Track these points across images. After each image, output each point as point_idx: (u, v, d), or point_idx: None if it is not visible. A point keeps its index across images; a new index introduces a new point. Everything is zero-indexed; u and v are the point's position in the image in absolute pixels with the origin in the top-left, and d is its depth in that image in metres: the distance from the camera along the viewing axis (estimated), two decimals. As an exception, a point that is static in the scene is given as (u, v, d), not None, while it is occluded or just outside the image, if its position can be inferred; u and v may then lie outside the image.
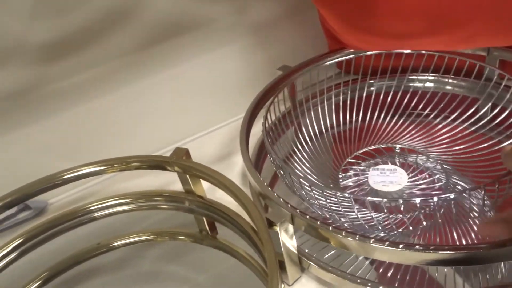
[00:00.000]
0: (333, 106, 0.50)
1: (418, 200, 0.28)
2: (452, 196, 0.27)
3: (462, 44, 0.42)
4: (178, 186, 0.40)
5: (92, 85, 0.45)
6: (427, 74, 0.49)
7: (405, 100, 0.48)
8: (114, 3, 0.43)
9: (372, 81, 0.51)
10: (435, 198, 0.27)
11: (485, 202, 0.32)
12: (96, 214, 0.38)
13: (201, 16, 0.47)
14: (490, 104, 0.45)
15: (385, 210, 0.30)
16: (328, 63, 0.48)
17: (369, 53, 0.45)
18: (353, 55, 0.47)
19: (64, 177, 0.36)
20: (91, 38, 0.43)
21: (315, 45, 0.51)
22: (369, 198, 0.28)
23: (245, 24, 0.51)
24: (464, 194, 0.27)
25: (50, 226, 0.37)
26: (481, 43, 0.42)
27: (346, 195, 0.31)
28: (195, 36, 0.48)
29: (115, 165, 0.36)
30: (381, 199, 0.28)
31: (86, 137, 0.45)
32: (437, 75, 0.48)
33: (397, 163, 0.40)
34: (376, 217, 0.31)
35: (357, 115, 0.49)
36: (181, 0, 0.46)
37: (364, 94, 0.50)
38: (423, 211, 0.31)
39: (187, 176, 0.38)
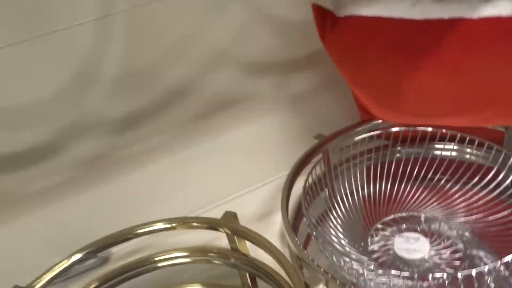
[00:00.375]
0: (364, 171, 0.55)
1: (430, 275, 0.32)
2: (460, 275, 0.31)
3: (482, 123, 0.47)
4: (225, 241, 0.46)
5: (155, 150, 0.53)
6: (453, 143, 0.53)
7: (433, 168, 0.52)
8: (176, 83, 0.51)
9: (401, 148, 0.56)
10: (444, 275, 0.32)
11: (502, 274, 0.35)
12: (156, 265, 0.45)
13: (248, 91, 0.55)
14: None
15: (402, 281, 0.34)
16: (358, 137, 0.53)
17: (396, 129, 0.51)
18: (382, 131, 0.52)
19: (137, 231, 0.43)
20: (156, 112, 0.51)
21: (348, 114, 0.57)
22: (391, 272, 0.33)
23: (284, 96, 0.58)
24: (472, 274, 0.31)
25: (119, 273, 0.44)
26: (501, 123, 0.47)
27: (371, 263, 0.36)
28: (241, 108, 0.55)
29: (177, 224, 0.43)
30: (398, 273, 0.33)
31: (149, 195, 0.53)
32: (462, 145, 0.53)
33: (422, 231, 0.44)
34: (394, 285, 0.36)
35: (387, 180, 0.53)
36: (232, 78, 0.53)
37: (394, 160, 0.55)
38: (436, 282, 0.35)
39: (234, 236, 0.44)
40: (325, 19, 0.45)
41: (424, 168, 0.53)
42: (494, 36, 0.37)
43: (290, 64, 0.56)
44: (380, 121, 0.54)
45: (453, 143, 0.53)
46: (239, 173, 0.57)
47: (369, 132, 0.53)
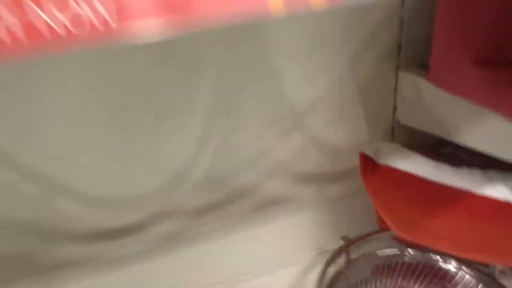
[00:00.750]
0: (379, 268, 0.68)
1: None
2: None
3: (478, 260, 0.60)
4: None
5: (217, 232, 0.66)
6: (453, 261, 0.66)
7: (436, 278, 0.65)
8: (241, 185, 0.64)
9: (410, 254, 0.69)
10: None
11: None
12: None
13: (292, 194, 0.69)
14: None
15: None
16: (379, 251, 0.67)
17: (411, 251, 0.65)
18: (398, 251, 0.66)
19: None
20: (221, 205, 0.65)
21: (369, 220, 0.71)
22: None
23: (318, 199, 0.71)
24: None
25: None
26: (489, 263, 0.60)
27: None
28: (285, 205, 0.69)
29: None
30: None
31: (210, 264, 0.66)
32: (460, 264, 0.66)
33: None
34: None
35: (396, 279, 0.67)
36: (282, 184, 0.67)
37: (405, 263, 0.68)
38: None
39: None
40: (367, 163, 0.58)
41: (429, 276, 0.66)
42: (491, 211, 0.50)
43: (329, 176, 0.69)
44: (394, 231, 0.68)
45: (453, 261, 0.66)
46: (277, 254, 0.71)
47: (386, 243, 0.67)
